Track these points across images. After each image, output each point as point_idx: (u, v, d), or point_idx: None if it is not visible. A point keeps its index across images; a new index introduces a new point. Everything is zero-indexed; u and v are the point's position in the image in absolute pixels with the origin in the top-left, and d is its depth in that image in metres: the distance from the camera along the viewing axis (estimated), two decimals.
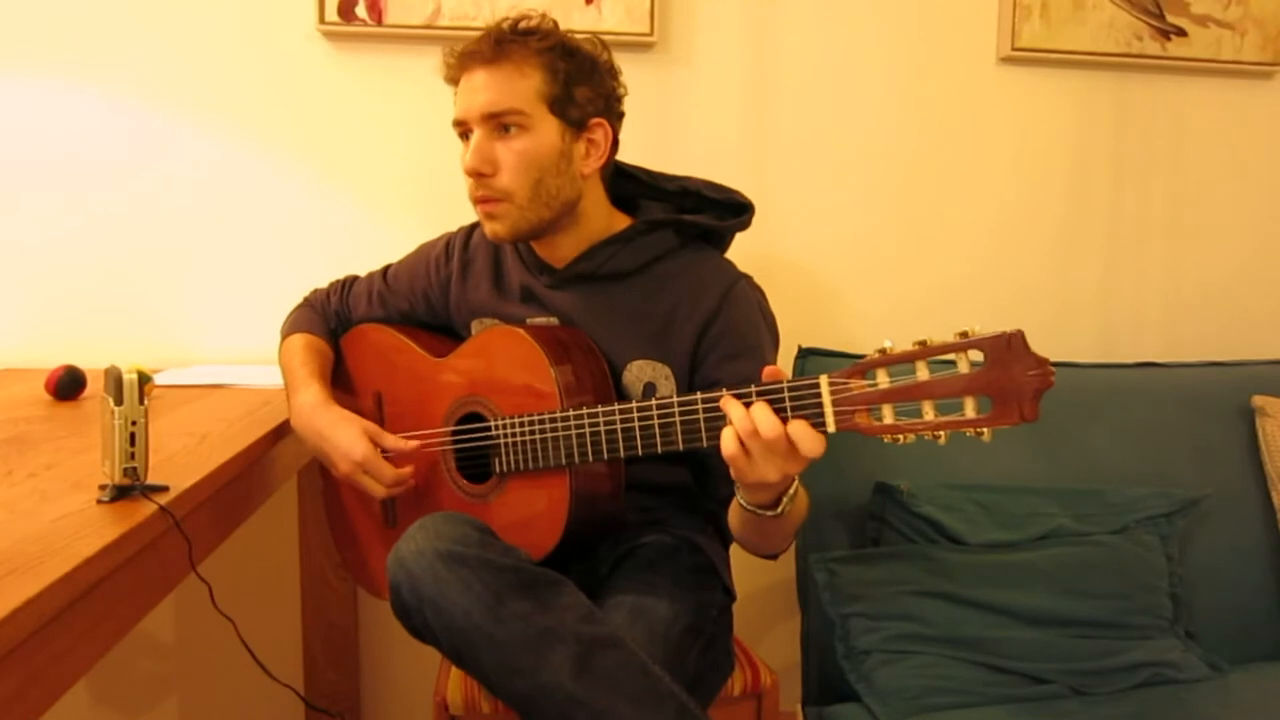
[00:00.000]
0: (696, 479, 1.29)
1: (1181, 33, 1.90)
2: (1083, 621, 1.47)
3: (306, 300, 1.48)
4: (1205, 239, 2.01)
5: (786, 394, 0.95)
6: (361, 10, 1.72)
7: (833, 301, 1.91)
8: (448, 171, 1.78)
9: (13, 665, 0.71)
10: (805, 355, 1.65)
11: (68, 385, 1.43)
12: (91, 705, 1.85)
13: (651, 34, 1.75)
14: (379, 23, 1.72)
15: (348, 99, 1.77)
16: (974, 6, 1.88)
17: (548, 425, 1.13)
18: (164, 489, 0.96)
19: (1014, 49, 1.86)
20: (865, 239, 1.91)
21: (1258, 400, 1.71)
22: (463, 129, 1.21)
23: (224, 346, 1.79)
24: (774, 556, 1.20)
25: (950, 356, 0.87)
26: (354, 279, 1.48)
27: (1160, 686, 1.43)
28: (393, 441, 1.24)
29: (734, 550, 1.31)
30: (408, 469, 1.24)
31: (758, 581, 1.87)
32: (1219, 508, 1.65)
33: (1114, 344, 1.99)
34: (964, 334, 0.87)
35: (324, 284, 1.50)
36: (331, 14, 1.71)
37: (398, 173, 1.80)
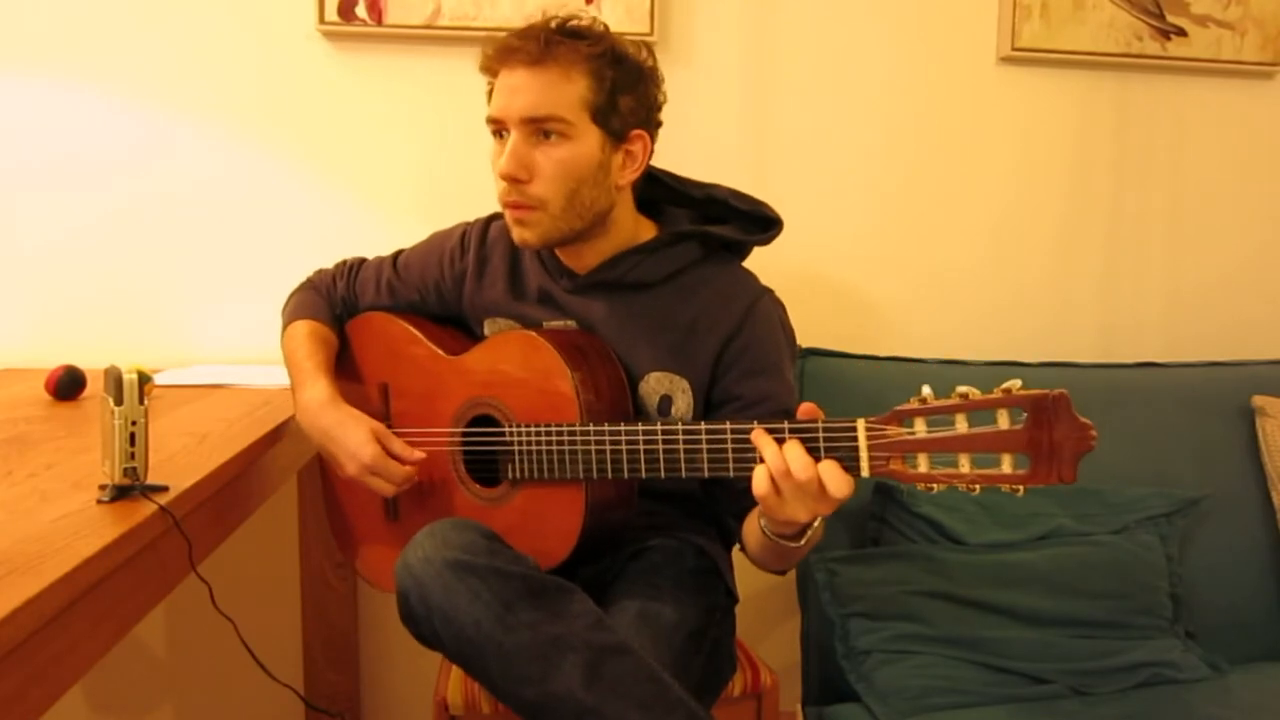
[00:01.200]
0: (706, 488, 1.27)
1: (1181, 33, 1.90)
2: (1083, 621, 1.47)
3: (310, 282, 1.43)
4: (1205, 239, 2.01)
5: (821, 434, 0.94)
6: (361, 10, 1.72)
7: (832, 301, 1.91)
8: (448, 172, 1.79)
9: (13, 665, 0.71)
10: (805, 355, 1.65)
11: (68, 385, 1.42)
12: (91, 705, 1.85)
13: (651, 34, 1.75)
14: (379, 23, 1.72)
15: (348, 99, 1.77)
16: (974, 6, 1.87)
17: (566, 437, 1.11)
18: (164, 489, 0.96)
19: (1014, 49, 1.86)
20: (865, 238, 1.91)
21: (1258, 400, 1.71)
22: (497, 127, 1.16)
23: (224, 346, 1.79)
24: (782, 573, 1.19)
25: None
26: (361, 261, 1.43)
27: (1160, 686, 1.43)
28: (400, 448, 1.22)
29: (735, 552, 1.31)
30: (414, 469, 1.22)
31: (758, 582, 1.86)
32: (1219, 508, 1.65)
33: (1114, 344, 1.99)
34: (1007, 390, 0.86)
35: (330, 266, 1.46)
36: (331, 14, 1.71)
37: (397, 173, 1.80)
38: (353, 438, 1.21)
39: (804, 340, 1.66)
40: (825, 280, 1.90)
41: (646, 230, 1.24)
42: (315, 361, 1.30)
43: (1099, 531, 1.56)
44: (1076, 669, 1.42)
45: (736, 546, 1.24)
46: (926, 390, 0.90)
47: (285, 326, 1.38)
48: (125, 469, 0.93)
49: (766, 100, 1.85)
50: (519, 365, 1.19)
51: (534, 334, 1.18)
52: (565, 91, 1.11)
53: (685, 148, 1.81)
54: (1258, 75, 1.97)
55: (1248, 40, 1.92)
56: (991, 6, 1.87)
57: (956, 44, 1.88)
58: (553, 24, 1.14)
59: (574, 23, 1.14)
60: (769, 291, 1.24)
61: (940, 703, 1.37)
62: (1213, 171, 1.99)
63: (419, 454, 1.22)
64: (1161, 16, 1.89)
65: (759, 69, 1.84)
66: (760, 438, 0.97)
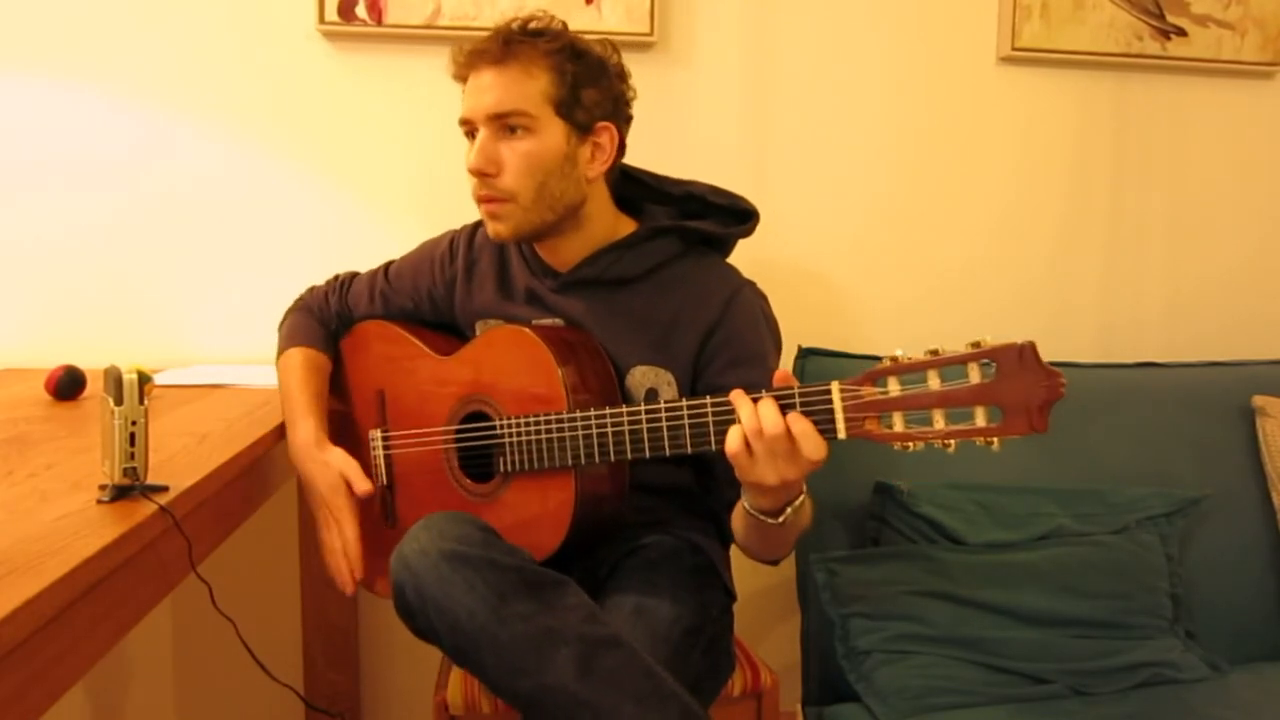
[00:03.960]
0: (700, 481, 1.29)
1: (1181, 33, 1.90)
2: (1083, 621, 1.47)
3: (304, 302, 1.45)
4: (1205, 239, 2.01)
5: (797, 398, 0.95)
6: (361, 10, 1.72)
7: (833, 301, 1.91)
8: (447, 172, 1.79)
9: (13, 665, 0.71)
10: (806, 355, 1.65)
11: (68, 385, 1.42)
12: (91, 706, 1.85)
13: (651, 34, 1.75)
14: (379, 23, 1.72)
15: (348, 99, 1.77)
16: (974, 6, 1.88)
17: (554, 425, 1.13)
18: (164, 489, 0.96)
19: (1014, 49, 1.86)
20: (865, 239, 1.91)
21: (1258, 400, 1.71)
22: (468, 128, 1.20)
23: (224, 346, 1.79)
24: (774, 563, 1.20)
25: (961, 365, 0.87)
26: (353, 276, 1.46)
27: (1160, 686, 1.43)
28: (355, 478, 1.26)
29: (734, 550, 1.31)
30: (353, 541, 1.25)
31: (758, 582, 1.87)
32: (1219, 508, 1.65)
33: (1114, 344, 1.99)
34: (976, 344, 0.87)
35: (322, 284, 1.49)
36: (331, 14, 1.71)
37: (397, 173, 1.80)
38: (322, 482, 1.26)
39: (803, 340, 1.67)
40: (825, 280, 1.91)
41: (626, 227, 1.26)
42: (307, 395, 1.32)
43: (1099, 531, 1.56)
44: (1076, 669, 1.42)
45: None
46: (900, 351, 0.91)
47: (280, 352, 1.40)
48: (125, 469, 0.93)
49: (766, 100, 1.85)
50: (508, 361, 1.20)
51: (523, 329, 1.20)
52: (527, 87, 1.16)
53: (685, 148, 1.82)
54: (1258, 75, 1.97)
55: (1248, 40, 1.92)
56: (991, 6, 1.87)
57: (956, 44, 1.88)
58: (513, 25, 1.19)
59: (534, 23, 1.19)
60: (750, 283, 1.26)
61: (940, 703, 1.37)
62: (1213, 171, 1.99)
63: (366, 485, 1.26)
64: (1161, 16, 1.89)
65: (759, 69, 1.84)
66: (738, 398, 0.98)
